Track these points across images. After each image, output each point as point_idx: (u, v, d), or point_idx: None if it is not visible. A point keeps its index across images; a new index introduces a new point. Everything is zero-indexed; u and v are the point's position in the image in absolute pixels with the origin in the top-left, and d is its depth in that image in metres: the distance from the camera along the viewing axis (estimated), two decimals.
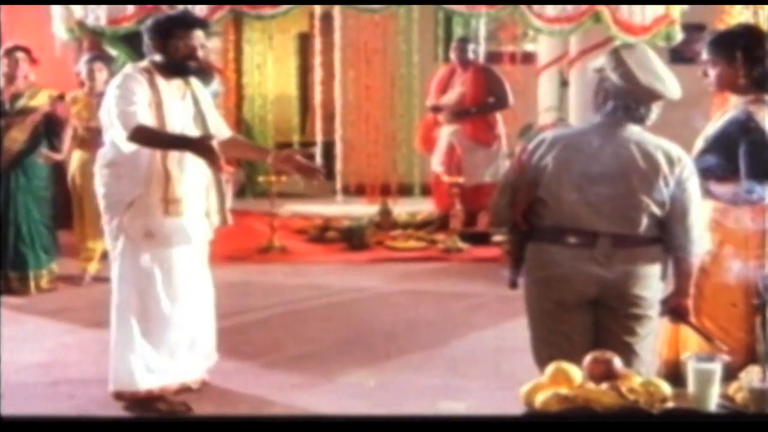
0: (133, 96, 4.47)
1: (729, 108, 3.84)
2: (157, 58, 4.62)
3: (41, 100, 6.94)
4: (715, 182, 3.73)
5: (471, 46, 8.96)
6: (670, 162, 3.48)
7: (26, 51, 6.86)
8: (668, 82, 3.54)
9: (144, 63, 4.67)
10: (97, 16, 7.36)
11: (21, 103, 6.87)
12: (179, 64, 4.62)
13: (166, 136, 4.51)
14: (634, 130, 3.54)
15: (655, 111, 3.57)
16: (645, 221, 3.49)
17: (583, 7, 7.59)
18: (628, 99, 3.52)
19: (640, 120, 3.55)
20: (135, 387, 4.64)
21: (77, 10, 7.40)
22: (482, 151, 8.75)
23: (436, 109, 8.85)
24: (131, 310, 4.65)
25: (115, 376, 4.68)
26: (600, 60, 3.66)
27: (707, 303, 3.77)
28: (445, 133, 8.82)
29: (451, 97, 8.79)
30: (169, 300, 4.68)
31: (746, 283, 3.73)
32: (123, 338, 4.66)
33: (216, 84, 9.14)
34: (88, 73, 7.11)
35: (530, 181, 3.57)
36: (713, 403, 2.73)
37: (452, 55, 8.93)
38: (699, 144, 3.87)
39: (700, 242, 3.55)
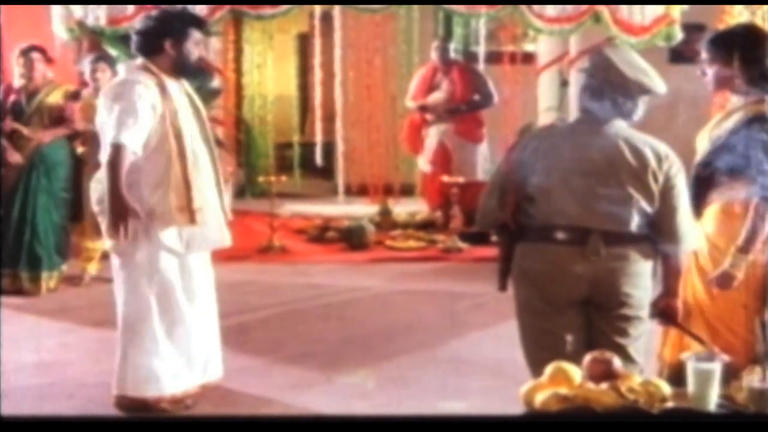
0: (138, 107, 4.38)
1: (733, 108, 3.84)
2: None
3: (57, 97, 6.98)
4: (728, 183, 3.73)
5: (452, 46, 9.14)
6: (658, 158, 3.50)
7: (42, 51, 6.90)
8: (654, 77, 3.58)
9: (143, 62, 4.58)
10: (97, 16, 7.36)
11: (37, 100, 6.91)
12: (182, 64, 4.58)
13: (117, 181, 4.35)
14: (621, 127, 3.56)
15: (642, 106, 3.59)
16: (635, 218, 3.49)
17: (583, 7, 7.59)
18: (615, 94, 3.54)
19: (627, 115, 3.57)
20: (160, 392, 4.57)
21: (77, 10, 7.40)
22: (473, 149, 8.94)
23: (423, 109, 8.92)
24: (152, 315, 4.56)
25: (135, 383, 4.55)
26: (585, 62, 3.71)
27: (717, 305, 3.77)
28: (435, 132, 8.92)
29: (439, 96, 8.87)
30: (190, 304, 4.64)
31: (756, 283, 3.73)
32: (143, 343, 4.56)
33: (216, 82, 9.17)
34: (91, 73, 7.12)
35: (519, 179, 3.57)
36: (713, 403, 2.73)
37: (433, 55, 9.04)
38: (704, 144, 3.86)
39: (689, 239, 3.56)
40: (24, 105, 6.89)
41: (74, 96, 7.06)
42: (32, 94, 6.92)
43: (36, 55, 6.89)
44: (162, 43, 4.53)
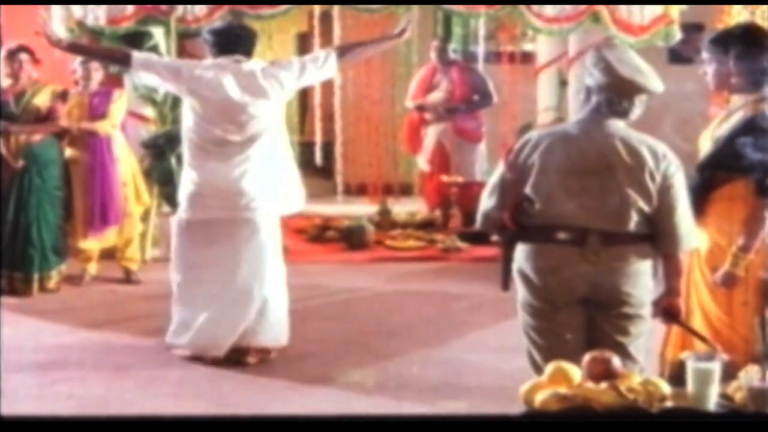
0: None
1: (734, 108, 3.85)
2: None
3: (44, 97, 6.94)
4: (730, 182, 3.75)
5: (451, 46, 9.13)
6: (656, 158, 3.50)
7: (29, 52, 6.87)
8: (649, 76, 3.56)
9: None
10: (97, 16, 7.37)
11: (25, 100, 6.88)
12: None
13: None
14: (618, 126, 3.56)
15: (639, 106, 3.58)
16: (633, 217, 3.49)
17: (582, 7, 7.60)
18: (610, 93, 3.54)
19: (623, 114, 3.56)
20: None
21: (77, 10, 7.40)
22: (472, 148, 8.94)
23: (421, 108, 8.92)
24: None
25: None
26: (584, 61, 3.71)
27: (718, 303, 3.78)
28: (433, 131, 8.92)
29: (437, 96, 8.87)
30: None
31: (756, 281, 3.75)
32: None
33: None
34: (84, 72, 7.10)
35: (517, 180, 3.57)
36: (712, 402, 2.74)
37: (432, 55, 9.04)
38: (707, 145, 3.87)
39: (688, 238, 3.56)
40: (12, 106, 6.85)
41: (62, 96, 7.02)
42: (20, 94, 6.87)
43: (24, 56, 6.85)
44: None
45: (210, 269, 5.33)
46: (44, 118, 6.93)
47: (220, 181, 5.30)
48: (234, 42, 5.38)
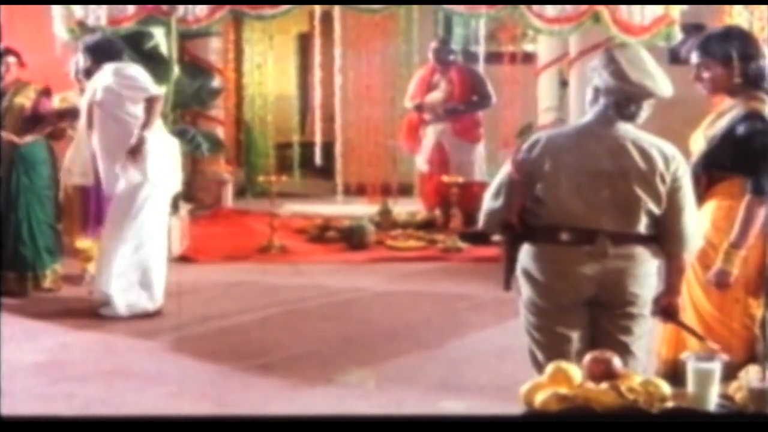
0: None
1: (726, 107, 3.86)
2: None
3: (27, 95, 6.85)
4: (723, 180, 3.75)
5: (448, 47, 9.12)
6: (666, 160, 3.49)
7: (16, 54, 6.82)
8: (660, 80, 3.52)
9: None
10: (98, 16, 7.37)
11: (7, 99, 6.78)
12: None
13: None
14: (628, 128, 3.54)
15: (646, 110, 3.56)
16: (643, 219, 3.49)
17: (583, 7, 7.60)
18: (619, 96, 3.51)
19: (630, 118, 3.54)
20: None
21: (77, 10, 7.41)
22: (471, 148, 8.93)
23: (420, 108, 8.92)
24: None
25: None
26: (594, 61, 3.67)
27: (711, 300, 3.79)
28: (432, 131, 8.93)
29: (436, 96, 8.87)
30: None
31: (747, 277, 3.75)
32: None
33: (217, 82, 9.20)
34: (76, 74, 7.07)
35: (526, 181, 3.56)
36: (713, 402, 2.74)
37: (431, 56, 9.02)
38: (699, 144, 3.87)
39: (694, 239, 3.56)
40: None
41: (46, 93, 6.93)
42: (2, 94, 6.79)
43: (11, 59, 6.77)
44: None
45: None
46: (30, 117, 6.83)
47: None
48: (117, 50, 6.40)
